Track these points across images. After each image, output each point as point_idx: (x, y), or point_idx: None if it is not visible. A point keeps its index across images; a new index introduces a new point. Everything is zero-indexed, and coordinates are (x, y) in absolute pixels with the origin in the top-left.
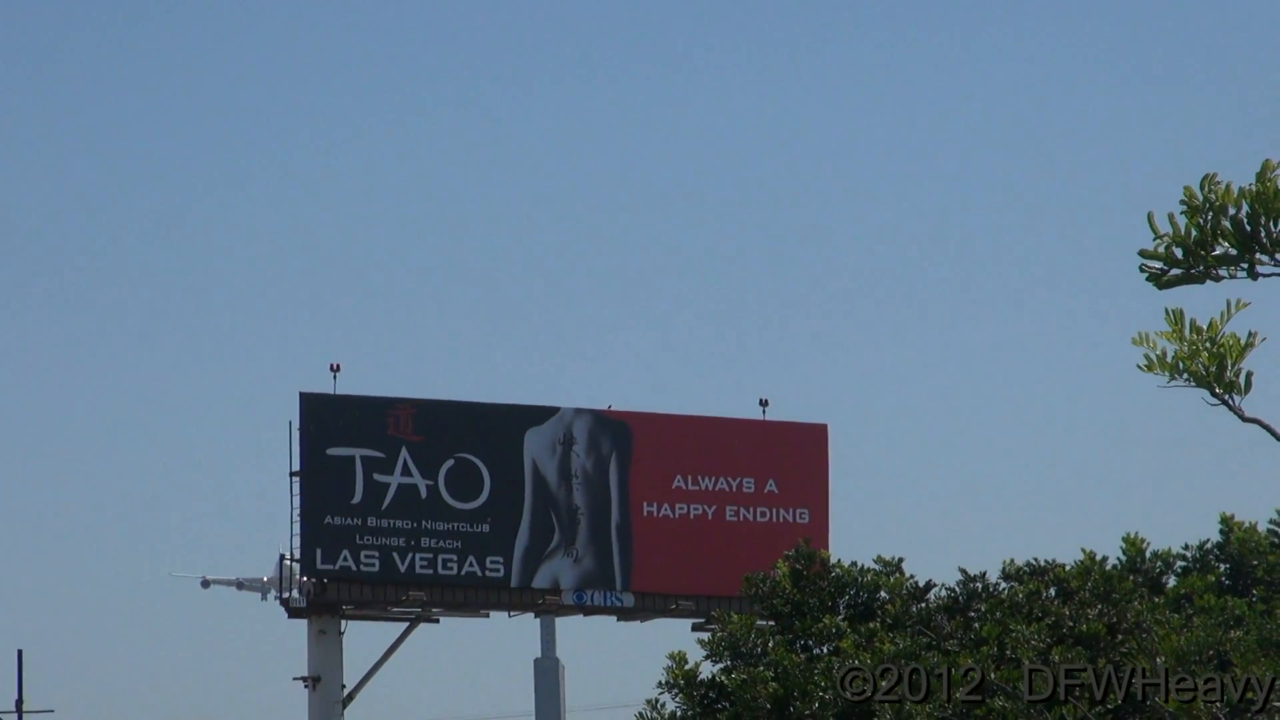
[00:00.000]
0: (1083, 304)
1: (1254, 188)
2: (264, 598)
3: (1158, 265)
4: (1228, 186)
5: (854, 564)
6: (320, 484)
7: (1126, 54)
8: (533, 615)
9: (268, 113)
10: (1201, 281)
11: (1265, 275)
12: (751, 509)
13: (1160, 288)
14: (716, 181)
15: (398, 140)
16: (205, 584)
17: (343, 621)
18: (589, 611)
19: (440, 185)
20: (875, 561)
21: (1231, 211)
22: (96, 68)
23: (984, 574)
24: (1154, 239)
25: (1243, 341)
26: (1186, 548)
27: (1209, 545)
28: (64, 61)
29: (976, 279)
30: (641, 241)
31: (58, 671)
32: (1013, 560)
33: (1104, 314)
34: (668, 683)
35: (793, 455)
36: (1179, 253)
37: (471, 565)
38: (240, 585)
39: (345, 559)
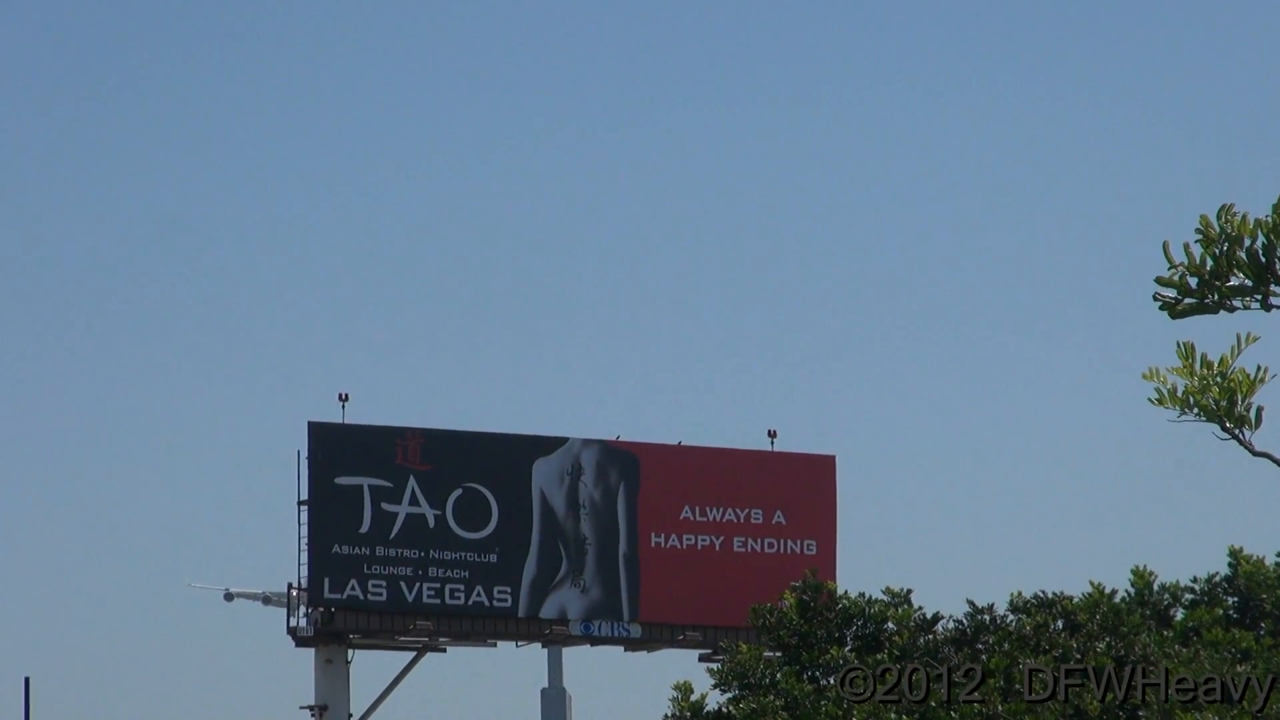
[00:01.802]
0: (1094, 335)
1: (1270, 219)
2: (290, 614)
3: (1172, 294)
4: (1244, 217)
5: (861, 595)
6: (328, 513)
7: (1144, 82)
8: (540, 645)
9: (278, 141)
10: (1215, 312)
11: (1278, 307)
12: (759, 540)
13: (1174, 317)
14: (725, 213)
15: (408, 170)
16: (229, 597)
17: (350, 651)
18: (596, 642)
19: (450, 216)
20: (883, 593)
21: (1247, 243)
22: (95, 91)
23: (992, 606)
24: (1169, 268)
25: (1253, 376)
26: (1195, 581)
27: (1217, 579)
28: (56, 90)
29: (986, 310)
30: (650, 273)
31: (63, 694)
32: (1021, 593)
33: (1116, 346)
34: (674, 714)
35: (801, 486)
36: (1193, 282)
37: (479, 595)
38: (266, 599)
39: (353, 588)
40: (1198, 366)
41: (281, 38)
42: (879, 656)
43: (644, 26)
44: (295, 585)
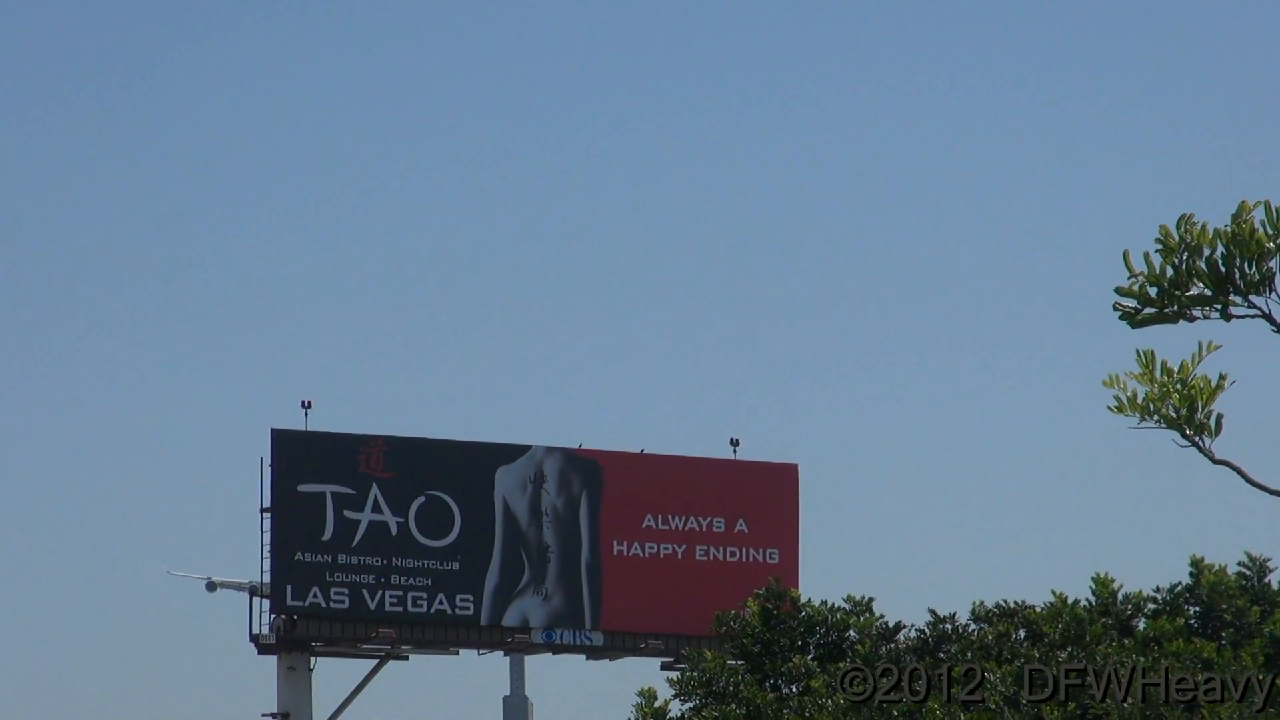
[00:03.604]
0: (1055, 345)
1: (1229, 229)
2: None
3: (1132, 304)
4: (1204, 227)
5: (824, 603)
6: (291, 520)
7: (1106, 91)
8: (502, 653)
9: (239, 148)
10: (1175, 321)
11: (1238, 317)
12: (721, 548)
13: (1134, 326)
14: (688, 223)
15: (369, 177)
16: (211, 586)
17: (312, 658)
18: (558, 650)
19: (412, 224)
20: (845, 601)
21: (1207, 252)
22: (58, 92)
23: (954, 615)
24: (1129, 278)
25: (1213, 383)
26: (1157, 590)
27: (1179, 588)
28: (22, 92)
29: (947, 320)
30: (613, 281)
31: (22, 700)
32: (982, 602)
33: (1076, 355)
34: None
35: (763, 495)
36: (1153, 292)
37: (441, 603)
38: (253, 591)
39: (315, 595)
40: (1158, 373)
41: (242, 42)
42: (841, 665)
43: (608, 30)
44: (258, 592)
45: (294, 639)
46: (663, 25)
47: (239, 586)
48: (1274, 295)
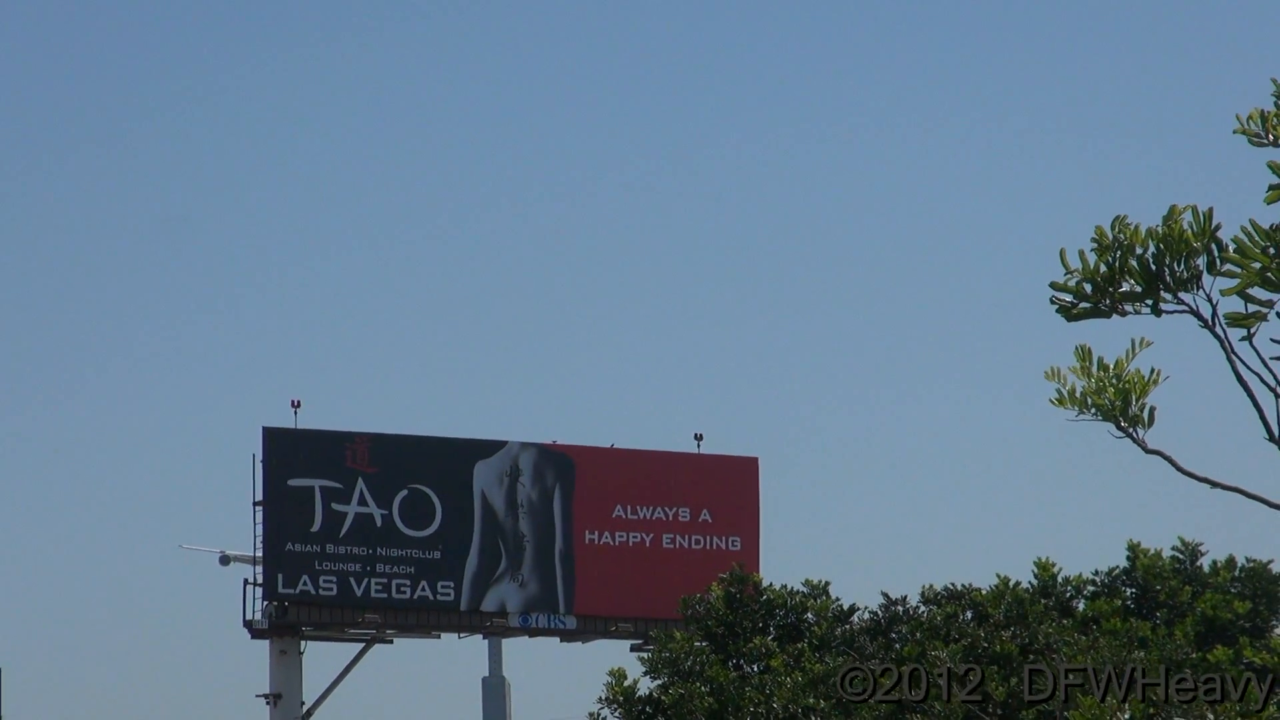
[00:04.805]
0: (998, 345)
1: (1161, 230)
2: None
3: (1068, 298)
4: (1136, 227)
5: (784, 587)
6: (282, 513)
7: (1046, 102)
8: (481, 637)
9: (228, 149)
10: (1108, 316)
11: (1168, 313)
12: (687, 537)
13: (1070, 320)
14: (654, 231)
15: (355, 181)
16: (225, 560)
17: (302, 642)
18: (534, 633)
19: (394, 234)
20: (803, 585)
21: (1139, 251)
22: (44, 92)
23: (905, 598)
24: (1065, 274)
25: (1146, 378)
26: (1096, 573)
27: (1117, 571)
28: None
29: (895, 320)
30: (584, 286)
31: (28, 685)
32: (932, 585)
33: (1018, 356)
34: (608, 698)
35: (726, 486)
36: (1088, 288)
37: (424, 589)
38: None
39: (305, 583)
40: (1094, 368)
41: (235, 47)
42: (799, 645)
43: (575, 32)
44: (250, 581)
45: (285, 624)
46: (630, 29)
47: (251, 560)
48: (1201, 292)
